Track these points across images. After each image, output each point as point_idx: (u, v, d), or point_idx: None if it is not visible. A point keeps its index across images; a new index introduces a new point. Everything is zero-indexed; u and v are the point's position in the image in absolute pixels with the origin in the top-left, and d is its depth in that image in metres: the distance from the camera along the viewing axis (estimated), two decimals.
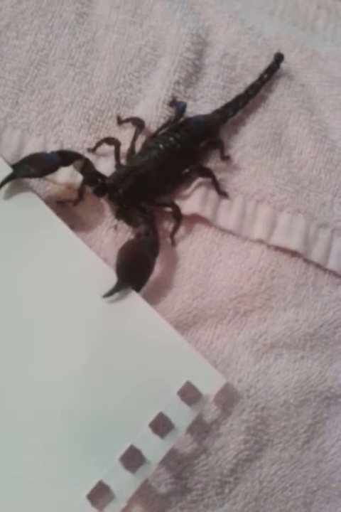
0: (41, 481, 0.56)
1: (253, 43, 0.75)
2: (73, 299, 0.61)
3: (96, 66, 0.72)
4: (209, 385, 0.58)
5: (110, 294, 0.60)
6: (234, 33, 0.75)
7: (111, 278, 0.61)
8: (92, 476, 0.55)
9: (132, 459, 0.56)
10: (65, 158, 0.65)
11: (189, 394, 0.58)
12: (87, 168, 0.64)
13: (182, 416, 0.57)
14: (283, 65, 0.74)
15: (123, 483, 0.56)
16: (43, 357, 0.59)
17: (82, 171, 0.64)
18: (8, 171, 0.64)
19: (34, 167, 0.64)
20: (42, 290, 0.61)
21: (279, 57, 0.74)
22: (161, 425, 0.57)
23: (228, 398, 0.61)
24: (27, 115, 0.69)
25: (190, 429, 0.59)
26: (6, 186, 0.64)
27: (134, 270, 0.61)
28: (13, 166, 0.65)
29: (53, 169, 0.65)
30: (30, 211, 0.64)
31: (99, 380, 0.59)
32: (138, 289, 0.61)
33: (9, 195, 0.64)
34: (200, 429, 0.60)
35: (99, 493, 0.55)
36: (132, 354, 0.60)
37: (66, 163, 0.65)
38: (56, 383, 0.58)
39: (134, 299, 0.61)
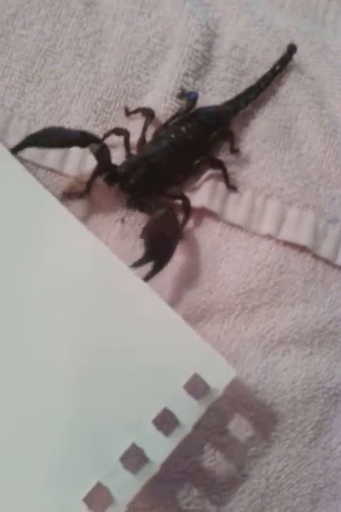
0: (33, 482, 0.51)
1: (263, 35, 0.74)
2: (74, 286, 0.58)
3: (103, 57, 0.71)
4: (218, 377, 0.55)
5: (137, 265, 0.59)
6: (244, 24, 0.75)
7: (113, 262, 0.59)
8: (90, 476, 0.51)
9: (133, 458, 0.52)
10: (84, 138, 0.63)
11: (196, 387, 0.54)
12: (103, 154, 0.63)
13: (188, 411, 0.54)
14: (292, 58, 0.73)
15: (124, 485, 0.51)
16: (44, 346, 0.56)
17: (97, 155, 0.63)
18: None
19: (49, 138, 0.63)
20: (42, 277, 0.59)
21: (292, 48, 0.73)
22: (166, 422, 0.53)
23: (237, 393, 0.60)
24: (34, 105, 0.69)
25: (197, 425, 0.58)
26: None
27: (161, 246, 0.60)
28: (29, 136, 0.64)
29: (66, 144, 0.63)
30: (25, 192, 0.62)
31: (99, 373, 0.55)
32: (162, 266, 0.60)
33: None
34: (208, 424, 0.59)
35: (97, 496, 0.51)
36: (135, 344, 0.56)
37: (83, 144, 0.63)
38: (56, 374, 0.55)
39: (139, 285, 0.58)
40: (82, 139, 0.63)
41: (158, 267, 0.60)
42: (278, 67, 0.72)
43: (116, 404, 0.54)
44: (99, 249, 0.61)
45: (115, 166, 0.64)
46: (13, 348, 0.56)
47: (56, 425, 0.53)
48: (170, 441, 0.53)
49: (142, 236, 0.60)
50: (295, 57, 0.74)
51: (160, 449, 0.53)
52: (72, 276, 0.59)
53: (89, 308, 0.58)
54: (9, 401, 0.54)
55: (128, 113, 0.70)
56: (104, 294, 0.58)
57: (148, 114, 0.68)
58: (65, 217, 0.62)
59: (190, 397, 0.54)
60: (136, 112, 0.69)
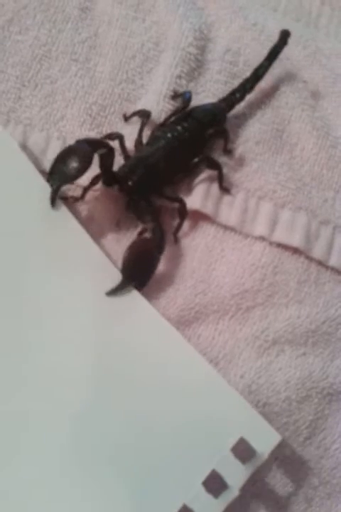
0: None
1: (256, 39, 0.75)
2: (118, 349, 0.59)
3: (99, 61, 0.72)
4: (263, 441, 0.56)
5: (113, 292, 0.61)
6: (237, 28, 0.75)
7: (155, 320, 0.60)
8: None
9: None
10: (94, 146, 0.63)
11: (243, 451, 0.55)
12: (107, 158, 0.63)
13: (236, 474, 0.55)
14: (286, 61, 0.74)
15: None
16: (89, 413, 0.57)
17: (101, 157, 0.63)
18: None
19: (75, 163, 0.62)
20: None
21: (285, 34, 0.72)
22: (215, 484, 0.54)
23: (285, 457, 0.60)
24: (29, 110, 0.69)
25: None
26: None
27: (139, 268, 0.62)
28: (50, 173, 0.63)
29: (91, 160, 0.62)
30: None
31: (149, 435, 0.56)
32: (141, 287, 0.62)
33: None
34: None
35: None
36: (183, 407, 0.57)
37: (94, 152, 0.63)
38: (105, 442, 0.56)
39: (186, 349, 0.59)
40: (93, 148, 0.62)
41: (138, 289, 0.62)
42: (274, 53, 0.72)
43: (166, 466, 0.56)
44: (143, 306, 0.61)
45: (112, 169, 0.65)
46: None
47: (111, 486, 0.55)
48: (219, 503, 0.54)
49: (122, 261, 0.61)
50: (288, 61, 0.74)
51: (210, 510, 0.54)
52: (117, 339, 0.60)
53: (134, 373, 0.59)
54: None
55: (126, 118, 0.70)
56: (148, 357, 0.59)
57: (144, 115, 0.68)
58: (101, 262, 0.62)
59: (237, 460, 0.55)
60: (133, 115, 0.70)
